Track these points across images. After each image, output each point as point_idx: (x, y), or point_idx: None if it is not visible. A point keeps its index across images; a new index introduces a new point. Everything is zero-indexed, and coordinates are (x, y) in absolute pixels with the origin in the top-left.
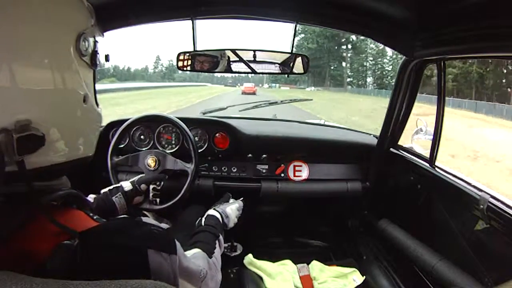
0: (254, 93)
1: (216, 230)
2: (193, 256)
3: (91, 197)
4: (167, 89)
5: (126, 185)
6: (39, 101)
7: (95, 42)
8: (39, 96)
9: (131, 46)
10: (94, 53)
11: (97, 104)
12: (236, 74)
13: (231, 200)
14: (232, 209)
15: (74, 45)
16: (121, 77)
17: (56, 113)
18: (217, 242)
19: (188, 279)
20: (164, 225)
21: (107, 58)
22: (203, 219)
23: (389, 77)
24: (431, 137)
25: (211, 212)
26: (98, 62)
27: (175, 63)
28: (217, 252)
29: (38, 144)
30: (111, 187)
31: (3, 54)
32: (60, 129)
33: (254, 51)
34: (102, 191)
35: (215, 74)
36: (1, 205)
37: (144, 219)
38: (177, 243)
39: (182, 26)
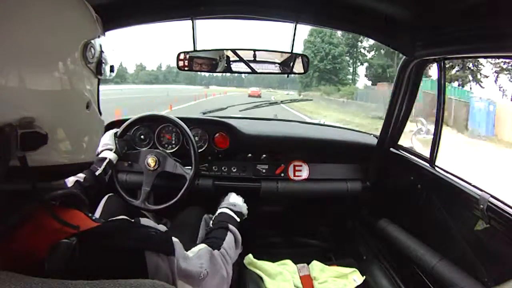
0: (259, 96)
1: (226, 223)
2: (198, 254)
3: (80, 177)
4: None
5: (112, 156)
6: (43, 102)
7: (101, 52)
8: (43, 98)
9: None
10: (100, 62)
11: (100, 113)
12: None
13: (231, 195)
14: (234, 197)
15: (81, 52)
16: None
17: (58, 115)
18: (228, 233)
19: (187, 280)
20: (163, 227)
21: (112, 69)
22: (211, 222)
23: None
24: (431, 136)
25: (218, 211)
26: (103, 72)
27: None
28: (228, 242)
29: (40, 142)
30: (102, 163)
31: (13, 57)
32: (61, 131)
33: (254, 50)
34: (96, 171)
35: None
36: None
37: (143, 220)
38: (179, 244)
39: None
